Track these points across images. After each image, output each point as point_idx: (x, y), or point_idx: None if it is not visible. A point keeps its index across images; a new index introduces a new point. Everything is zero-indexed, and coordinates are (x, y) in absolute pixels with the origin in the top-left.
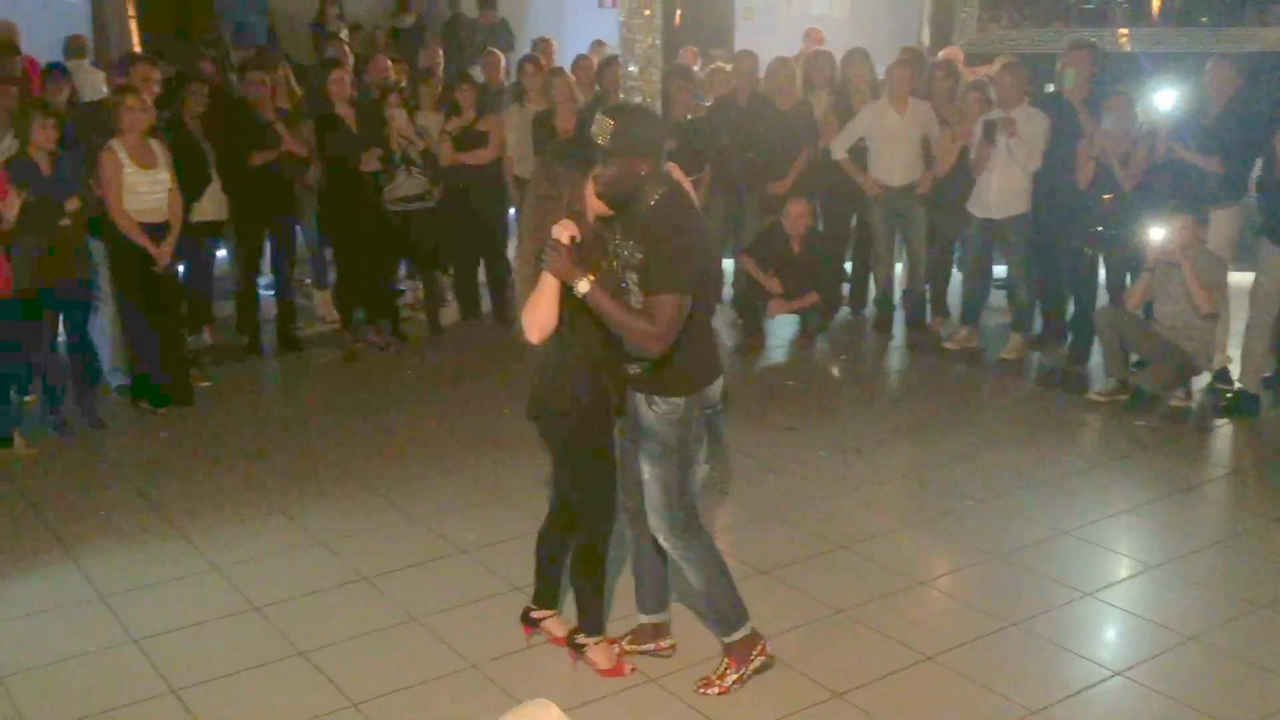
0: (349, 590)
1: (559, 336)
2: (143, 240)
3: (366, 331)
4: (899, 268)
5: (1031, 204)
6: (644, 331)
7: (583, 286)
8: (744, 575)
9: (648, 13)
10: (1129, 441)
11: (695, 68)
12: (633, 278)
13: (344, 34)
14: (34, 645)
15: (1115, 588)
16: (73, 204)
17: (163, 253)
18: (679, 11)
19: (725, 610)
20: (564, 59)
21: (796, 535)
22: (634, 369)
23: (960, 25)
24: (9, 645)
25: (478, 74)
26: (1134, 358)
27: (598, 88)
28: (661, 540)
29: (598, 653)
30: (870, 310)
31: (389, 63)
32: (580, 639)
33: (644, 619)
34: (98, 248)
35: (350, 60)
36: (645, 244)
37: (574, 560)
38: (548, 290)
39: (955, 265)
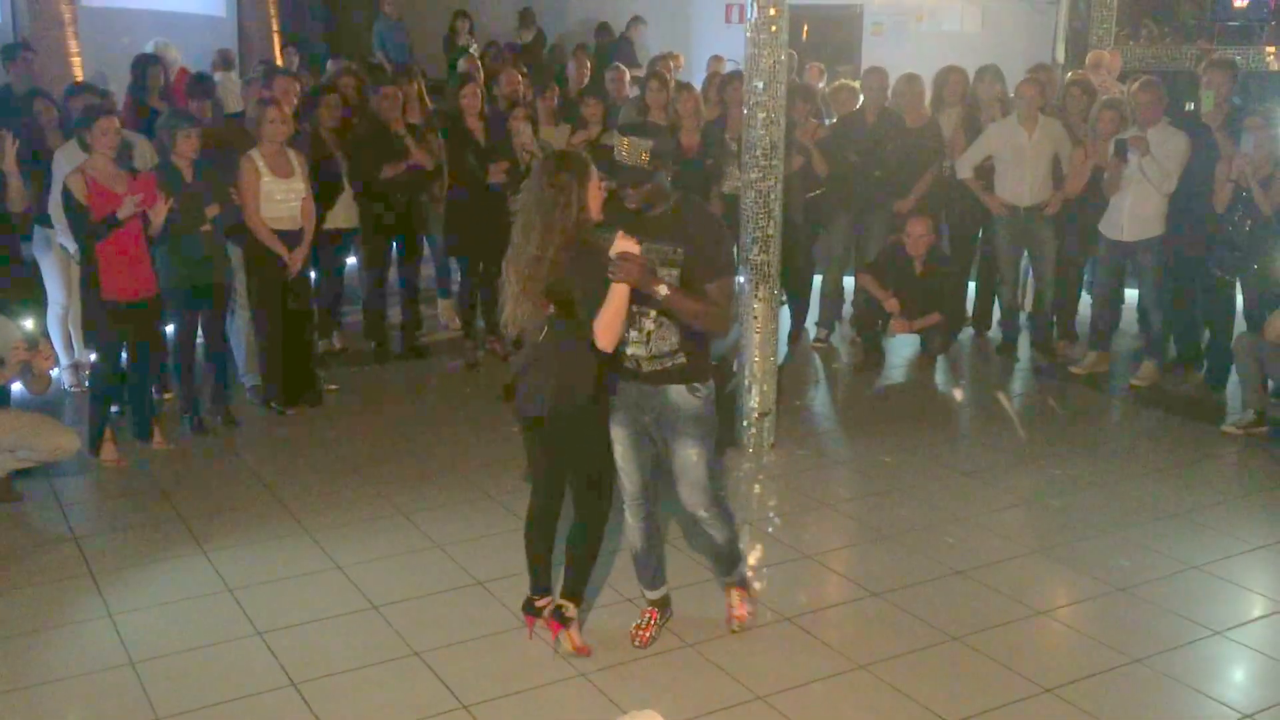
0: (464, 594)
1: (572, 334)
2: (278, 247)
3: (488, 340)
4: (1025, 290)
5: (1166, 227)
6: (720, 315)
7: (663, 290)
8: (857, 597)
9: (774, 29)
10: (1266, 475)
11: (820, 84)
12: (672, 272)
13: (474, 49)
14: (164, 633)
15: (1247, 627)
16: (212, 210)
17: (295, 259)
18: (805, 26)
19: (739, 553)
20: (690, 75)
21: (912, 559)
22: (673, 361)
23: (1097, 41)
24: (141, 631)
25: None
26: (1273, 387)
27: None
28: (702, 512)
29: (576, 630)
30: (995, 333)
31: (520, 77)
32: (570, 612)
33: (654, 595)
34: (235, 253)
35: (481, 75)
36: (685, 240)
37: (585, 542)
38: (619, 299)
39: (1084, 288)
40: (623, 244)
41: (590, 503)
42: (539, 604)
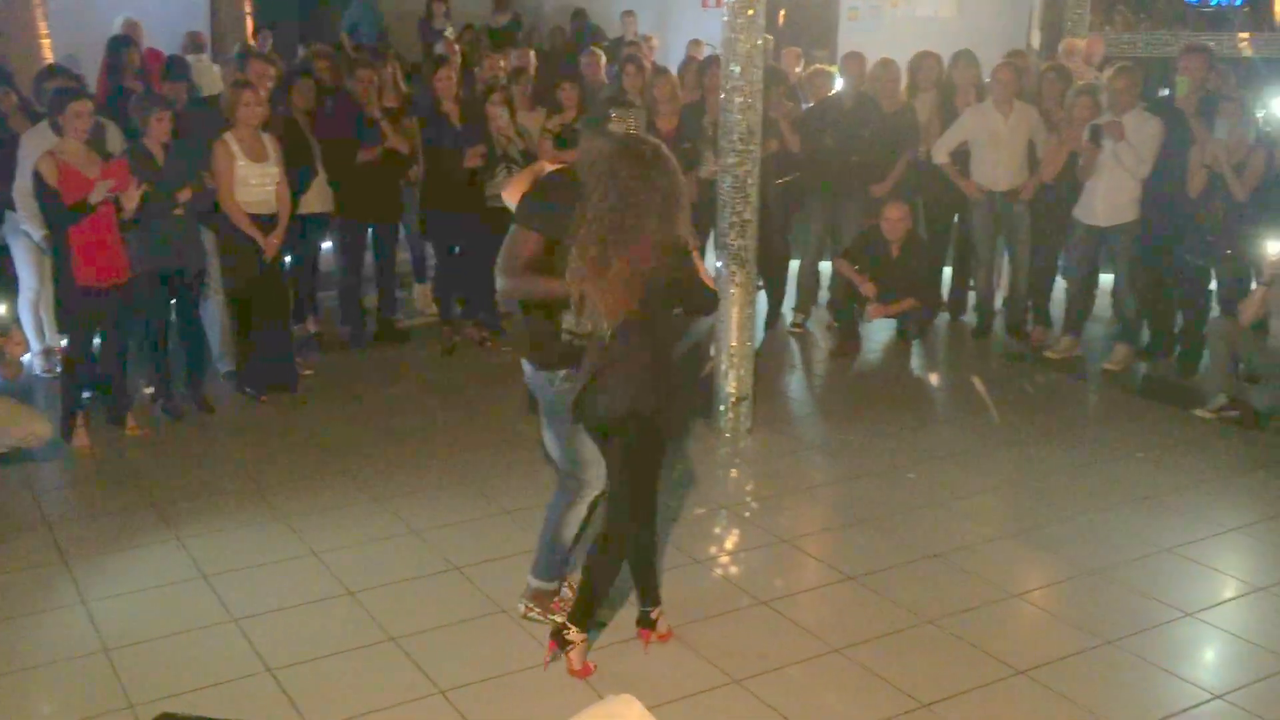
0: (441, 579)
1: (654, 332)
2: (252, 231)
3: (464, 325)
4: (1000, 274)
5: (1141, 212)
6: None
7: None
8: (833, 581)
9: (751, 12)
10: (1237, 459)
11: (798, 68)
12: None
13: (450, 32)
14: (139, 620)
15: (1219, 608)
16: (185, 194)
17: (271, 243)
18: (782, 12)
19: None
20: (667, 59)
21: (887, 543)
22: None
23: (1071, 27)
24: (116, 619)
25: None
26: (1245, 372)
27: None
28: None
29: (578, 654)
30: (970, 317)
31: (501, 62)
32: (573, 634)
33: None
34: (209, 237)
35: (457, 59)
36: None
37: (608, 551)
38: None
39: (1059, 273)
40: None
41: (646, 513)
42: (653, 616)
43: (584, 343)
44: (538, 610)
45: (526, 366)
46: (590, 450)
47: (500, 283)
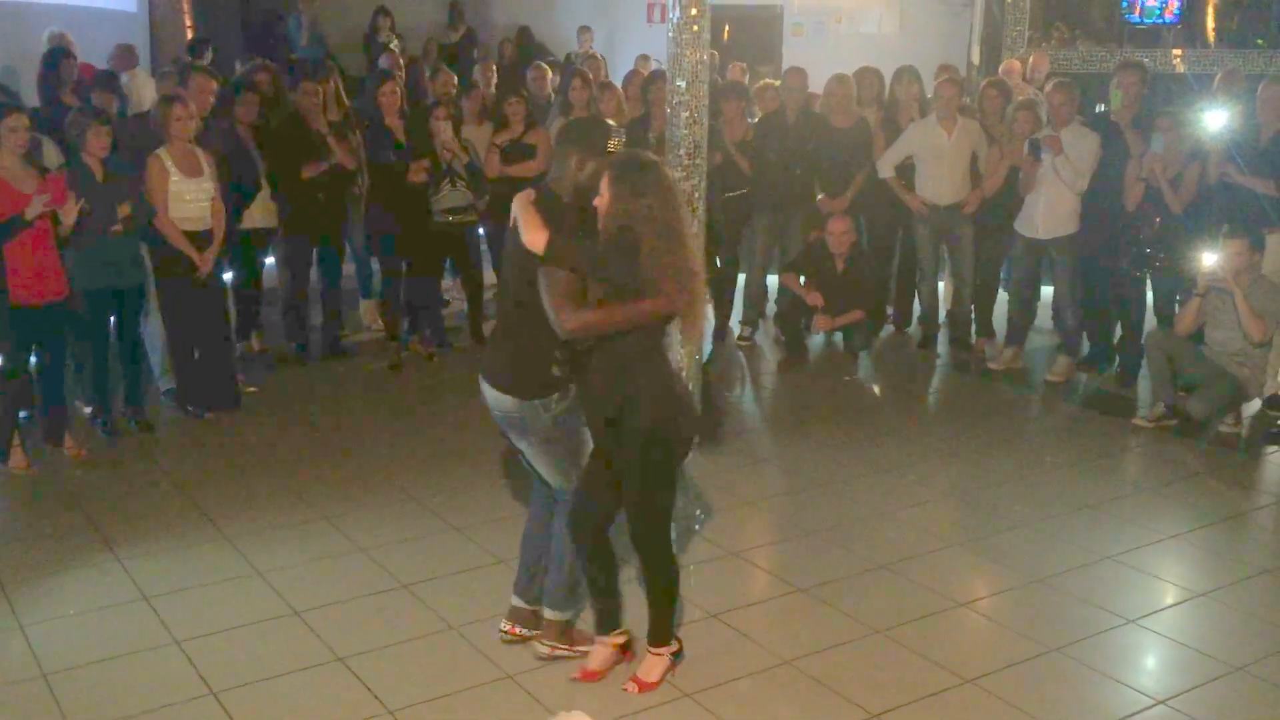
0: (388, 598)
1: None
2: (187, 248)
3: (411, 340)
4: (943, 287)
5: (1080, 225)
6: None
7: None
8: (782, 593)
9: (696, 29)
10: (1176, 467)
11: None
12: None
13: (395, 45)
14: (78, 644)
15: (1160, 615)
16: (124, 210)
17: (206, 260)
18: (726, 27)
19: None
20: (614, 74)
21: (835, 554)
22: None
23: (1010, 43)
24: (53, 643)
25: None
26: (1182, 382)
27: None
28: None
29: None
30: (914, 329)
31: (454, 77)
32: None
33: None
34: (147, 254)
35: (402, 72)
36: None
37: (606, 560)
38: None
39: (1001, 286)
40: None
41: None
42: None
43: (568, 372)
44: (563, 647)
45: (505, 401)
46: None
47: (573, 322)
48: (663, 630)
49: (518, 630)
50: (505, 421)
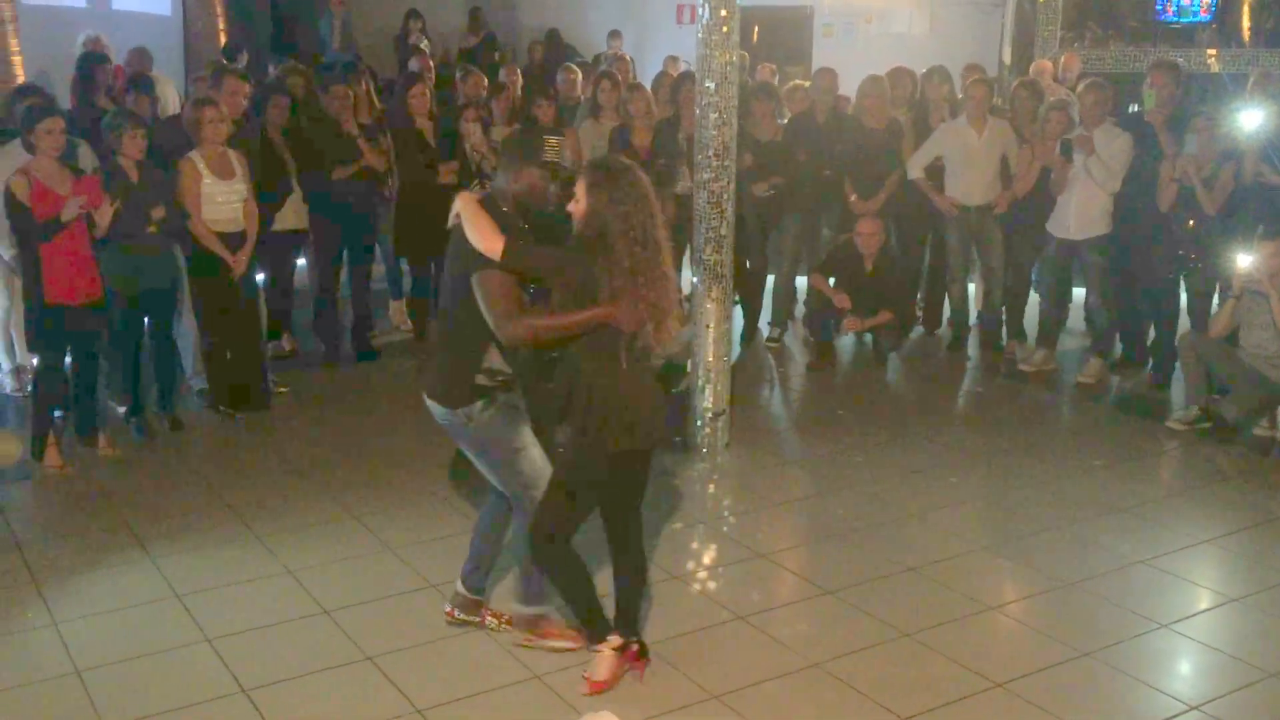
0: (418, 597)
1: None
2: (219, 249)
3: None
4: (974, 288)
5: (1112, 226)
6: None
7: None
8: (810, 595)
9: (726, 30)
10: (1210, 470)
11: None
12: None
13: (425, 47)
14: (111, 641)
15: (1193, 620)
16: (158, 212)
17: (239, 261)
18: (756, 28)
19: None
20: (643, 75)
21: (864, 557)
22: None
23: (1042, 43)
24: (87, 639)
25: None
26: (1216, 384)
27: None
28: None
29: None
30: (944, 331)
31: (484, 79)
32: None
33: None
34: (182, 255)
35: (432, 75)
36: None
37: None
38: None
39: (1033, 287)
40: None
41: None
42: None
43: (503, 381)
44: (534, 638)
45: (437, 409)
46: (530, 463)
47: (515, 330)
48: (588, 626)
49: (455, 614)
50: (445, 428)
